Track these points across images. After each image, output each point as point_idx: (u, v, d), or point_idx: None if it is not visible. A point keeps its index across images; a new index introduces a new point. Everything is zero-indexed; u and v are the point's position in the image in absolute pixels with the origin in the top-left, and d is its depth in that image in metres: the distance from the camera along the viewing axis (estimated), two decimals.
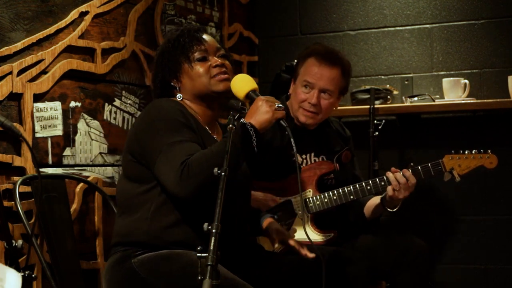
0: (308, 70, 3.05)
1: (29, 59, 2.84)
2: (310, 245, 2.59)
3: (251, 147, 2.32)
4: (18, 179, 2.73)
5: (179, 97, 2.55)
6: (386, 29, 4.25)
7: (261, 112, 2.37)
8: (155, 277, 2.38)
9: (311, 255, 2.60)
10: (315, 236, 3.01)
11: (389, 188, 2.97)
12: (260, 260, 2.64)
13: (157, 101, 2.54)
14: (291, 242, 2.68)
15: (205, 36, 2.57)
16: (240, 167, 2.39)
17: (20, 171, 2.79)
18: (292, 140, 2.35)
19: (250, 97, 2.42)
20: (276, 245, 2.61)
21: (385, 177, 3.01)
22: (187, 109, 2.51)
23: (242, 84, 2.44)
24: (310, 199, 3.04)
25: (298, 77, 3.10)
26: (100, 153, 3.21)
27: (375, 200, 3.13)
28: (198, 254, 1.99)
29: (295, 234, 2.98)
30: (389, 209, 3.06)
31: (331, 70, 3.04)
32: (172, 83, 2.55)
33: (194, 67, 2.51)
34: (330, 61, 3.04)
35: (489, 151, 3.05)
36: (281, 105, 2.40)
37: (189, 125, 2.43)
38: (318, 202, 3.04)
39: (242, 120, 2.36)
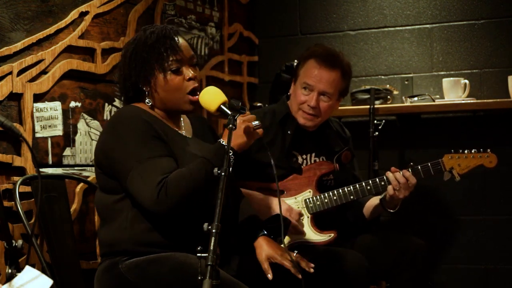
0: (308, 72, 3.05)
1: (29, 59, 2.84)
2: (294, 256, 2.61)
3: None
4: (18, 179, 2.73)
5: (148, 102, 2.52)
6: (386, 29, 4.25)
7: (239, 134, 2.35)
8: (144, 281, 2.39)
9: (310, 270, 2.59)
10: (315, 236, 3.01)
11: (389, 187, 2.97)
12: (250, 258, 2.64)
13: (121, 112, 2.53)
14: (284, 263, 2.61)
15: (181, 42, 2.52)
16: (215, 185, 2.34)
17: (20, 171, 2.79)
18: (270, 156, 2.36)
19: (221, 111, 2.38)
20: (269, 276, 2.59)
21: (385, 177, 3.02)
22: (151, 113, 2.50)
23: (212, 98, 2.41)
24: (310, 199, 3.04)
25: (298, 79, 3.09)
26: None
27: (375, 200, 3.13)
28: (198, 254, 2.00)
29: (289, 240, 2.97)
30: (388, 210, 3.07)
31: (330, 72, 3.04)
32: (143, 88, 2.52)
33: (169, 79, 2.48)
34: (330, 63, 3.04)
35: (488, 150, 3.05)
36: (258, 123, 2.38)
37: (157, 135, 2.42)
38: (318, 202, 3.04)
39: (220, 141, 2.36)
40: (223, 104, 2.38)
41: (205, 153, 2.36)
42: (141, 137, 2.39)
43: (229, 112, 2.35)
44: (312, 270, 2.59)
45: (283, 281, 2.58)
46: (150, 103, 2.53)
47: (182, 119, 2.64)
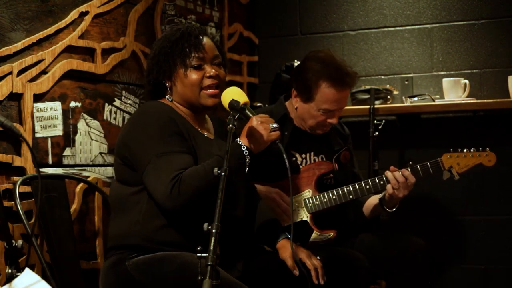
0: (326, 99, 3.03)
1: (29, 59, 2.84)
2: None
3: (243, 167, 2.35)
4: (18, 179, 2.73)
5: (169, 98, 2.56)
6: (386, 29, 4.25)
7: (256, 136, 2.37)
8: (149, 279, 2.38)
9: (321, 281, 2.57)
10: (315, 236, 3.01)
11: (389, 186, 2.98)
12: (255, 260, 2.64)
13: (147, 105, 2.55)
14: (307, 261, 2.61)
15: (205, 41, 2.56)
16: (233, 183, 2.38)
17: (20, 171, 2.79)
18: (285, 157, 2.36)
19: (242, 112, 2.41)
20: (295, 272, 2.60)
21: (384, 176, 3.02)
22: (176, 110, 2.52)
23: (234, 97, 2.42)
24: (310, 199, 3.05)
25: (313, 102, 3.05)
26: (100, 153, 3.21)
27: (374, 200, 3.14)
28: (198, 254, 2.00)
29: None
30: (387, 209, 3.07)
31: (346, 91, 3.08)
32: (164, 83, 2.56)
33: (188, 74, 2.52)
34: (344, 84, 3.04)
35: (487, 149, 3.06)
36: (276, 125, 2.40)
37: (178, 132, 2.44)
38: (317, 202, 3.04)
39: (237, 140, 2.37)
40: (244, 104, 2.41)
41: (221, 152, 2.37)
42: (163, 132, 2.41)
43: (250, 114, 2.39)
44: (322, 282, 2.57)
45: (289, 283, 2.58)
46: (170, 99, 2.56)
47: (206, 120, 2.65)
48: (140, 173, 2.42)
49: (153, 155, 2.37)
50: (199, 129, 2.56)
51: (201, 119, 2.62)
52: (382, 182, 3.03)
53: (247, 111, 2.40)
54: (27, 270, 2.23)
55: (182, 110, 2.56)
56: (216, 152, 2.46)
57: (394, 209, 3.06)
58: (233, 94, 2.43)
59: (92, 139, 3.16)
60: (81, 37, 3.10)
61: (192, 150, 2.45)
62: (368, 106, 3.92)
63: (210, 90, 2.52)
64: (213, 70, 2.53)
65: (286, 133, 3.11)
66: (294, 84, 3.13)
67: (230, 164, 2.22)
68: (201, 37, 2.55)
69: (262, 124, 2.38)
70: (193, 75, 2.52)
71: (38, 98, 2.88)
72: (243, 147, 2.35)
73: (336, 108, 3.06)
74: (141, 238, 2.43)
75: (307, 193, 3.06)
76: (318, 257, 2.65)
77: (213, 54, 2.56)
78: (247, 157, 2.34)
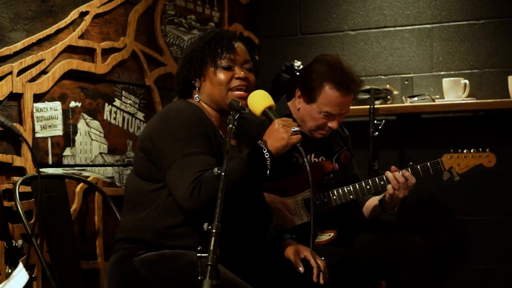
0: (328, 101, 3.03)
1: (29, 59, 2.84)
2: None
3: (265, 170, 2.36)
4: (18, 179, 2.73)
5: (197, 98, 2.57)
6: (386, 29, 4.25)
7: (278, 138, 2.38)
8: (156, 277, 2.39)
9: (321, 281, 2.55)
10: (315, 236, 3.01)
11: (389, 186, 2.98)
12: (263, 261, 2.64)
13: (177, 103, 2.55)
14: (311, 260, 2.58)
15: (237, 45, 2.57)
16: (252, 186, 2.42)
17: (20, 171, 2.79)
18: (306, 162, 2.36)
19: (266, 114, 2.44)
20: (300, 268, 2.59)
21: (384, 177, 3.02)
22: (204, 113, 2.53)
23: (259, 100, 2.45)
24: (310, 199, 3.04)
25: (315, 103, 3.05)
26: (100, 153, 3.21)
27: (373, 201, 3.14)
28: (198, 254, 2.00)
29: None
30: (387, 211, 3.07)
31: (350, 96, 3.07)
32: (193, 82, 2.57)
33: (218, 74, 2.52)
34: (348, 88, 3.03)
35: (487, 149, 3.06)
36: (297, 129, 2.41)
37: (206, 134, 2.45)
38: (317, 202, 3.05)
39: (259, 143, 2.39)
40: (269, 108, 2.43)
41: (242, 154, 2.38)
42: (192, 132, 2.42)
43: (274, 117, 2.41)
44: (322, 282, 2.57)
45: (293, 283, 2.58)
46: (198, 98, 2.56)
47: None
48: (163, 171, 2.41)
49: (179, 155, 2.37)
50: (223, 135, 2.56)
51: (225, 123, 2.60)
52: (382, 182, 3.03)
53: (270, 114, 2.43)
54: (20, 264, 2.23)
55: (209, 112, 2.56)
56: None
57: (393, 211, 3.07)
58: (259, 97, 2.45)
59: (92, 139, 3.16)
60: (81, 37, 3.10)
61: (217, 153, 2.45)
62: (368, 106, 3.92)
63: (238, 92, 2.52)
64: (243, 72, 2.54)
65: (296, 147, 3.10)
66: (298, 84, 3.13)
67: (252, 166, 2.25)
68: (234, 41, 2.57)
69: (284, 127, 2.39)
70: (222, 75, 2.52)
71: (38, 98, 2.88)
72: (264, 149, 2.36)
73: (338, 112, 3.05)
74: (153, 234, 2.43)
75: (308, 193, 3.06)
76: (323, 258, 2.65)
77: (244, 58, 2.57)
78: (268, 160, 2.35)
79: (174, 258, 2.39)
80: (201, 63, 2.54)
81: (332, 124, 3.06)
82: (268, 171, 2.36)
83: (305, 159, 2.37)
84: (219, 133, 2.54)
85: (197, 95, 2.57)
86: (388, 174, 2.99)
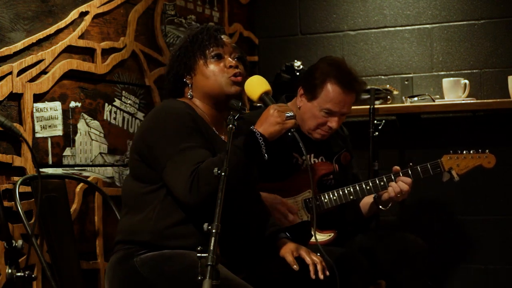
0: (330, 98, 3.03)
1: (29, 59, 2.84)
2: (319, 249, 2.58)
3: (260, 155, 2.34)
4: (18, 179, 2.73)
5: (190, 95, 2.56)
6: (386, 29, 4.26)
7: (272, 122, 2.38)
8: (157, 277, 2.38)
9: (320, 276, 2.55)
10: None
11: (390, 190, 2.99)
12: (264, 261, 2.64)
13: (166, 103, 2.54)
14: (306, 258, 2.60)
15: (223, 37, 2.58)
16: (252, 174, 2.41)
17: (20, 171, 2.79)
18: (302, 146, 2.36)
19: (263, 100, 2.43)
20: (295, 266, 2.58)
21: (384, 178, 3.03)
22: (196, 109, 2.52)
23: (256, 85, 2.44)
24: (310, 199, 3.05)
25: (316, 100, 3.05)
26: (100, 153, 3.21)
27: (369, 198, 3.15)
28: (198, 254, 2.00)
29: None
30: (382, 208, 3.09)
31: (351, 95, 3.06)
32: (184, 79, 2.56)
33: (209, 65, 2.53)
34: (350, 87, 3.03)
35: (487, 150, 3.06)
36: (292, 114, 2.40)
37: (198, 129, 2.44)
38: (317, 203, 3.05)
39: (252, 128, 2.38)
40: (266, 93, 2.43)
41: (236, 142, 2.37)
42: (182, 129, 2.41)
43: (270, 103, 2.41)
44: (321, 276, 2.56)
45: (291, 283, 2.58)
46: (191, 96, 2.56)
47: (224, 123, 2.64)
48: (159, 171, 2.41)
49: (173, 152, 2.37)
50: (216, 131, 2.55)
51: (219, 122, 2.60)
52: (382, 183, 3.03)
53: (267, 100, 2.42)
54: None
55: (201, 109, 2.55)
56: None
57: (387, 208, 3.09)
58: (256, 83, 2.44)
59: (92, 139, 3.16)
60: (81, 37, 3.10)
61: (211, 148, 2.44)
62: (368, 106, 3.92)
63: (235, 77, 2.52)
64: (234, 61, 2.54)
65: (289, 134, 3.10)
66: (301, 82, 3.13)
67: (248, 151, 2.26)
68: (219, 33, 2.58)
69: (278, 112, 2.38)
70: (213, 65, 2.53)
71: (38, 98, 2.88)
72: (257, 134, 2.35)
73: (338, 110, 3.04)
74: (152, 235, 2.43)
75: (308, 193, 3.06)
76: (318, 254, 2.65)
77: (232, 49, 2.58)
78: (262, 144, 2.34)
79: (174, 258, 2.38)
80: (190, 57, 2.54)
81: (332, 124, 3.06)
82: (265, 156, 2.33)
83: (304, 157, 2.36)
84: (213, 130, 2.53)
85: (190, 92, 2.56)
86: (393, 185, 3.00)
